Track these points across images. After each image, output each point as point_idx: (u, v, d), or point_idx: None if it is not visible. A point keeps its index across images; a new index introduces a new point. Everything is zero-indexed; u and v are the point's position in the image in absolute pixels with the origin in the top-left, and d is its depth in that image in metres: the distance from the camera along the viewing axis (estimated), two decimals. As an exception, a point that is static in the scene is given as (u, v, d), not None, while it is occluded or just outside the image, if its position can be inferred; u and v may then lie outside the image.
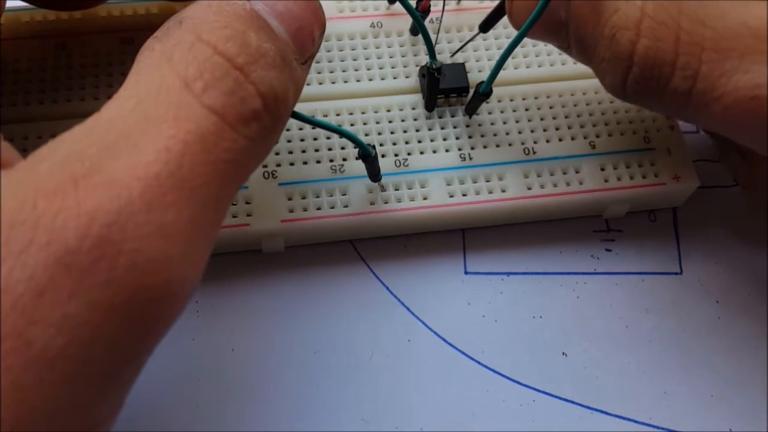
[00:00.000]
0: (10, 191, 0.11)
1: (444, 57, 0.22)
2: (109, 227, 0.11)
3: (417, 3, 0.21)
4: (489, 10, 0.21)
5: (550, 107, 0.22)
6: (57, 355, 0.11)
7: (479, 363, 0.20)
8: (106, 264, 0.11)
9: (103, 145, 0.12)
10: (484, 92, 0.20)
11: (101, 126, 0.12)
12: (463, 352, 0.20)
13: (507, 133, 0.21)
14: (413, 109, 0.21)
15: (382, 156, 0.20)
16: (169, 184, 0.12)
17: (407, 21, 0.22)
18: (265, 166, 0.20)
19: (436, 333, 0.20)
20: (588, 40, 0.17)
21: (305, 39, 0.15)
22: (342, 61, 0.22)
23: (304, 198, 0.20)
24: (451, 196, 0.20)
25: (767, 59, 0.15)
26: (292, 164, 0.20)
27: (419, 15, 0.20)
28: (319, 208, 0.20)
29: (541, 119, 0.22)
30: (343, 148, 0.21)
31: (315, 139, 0.21)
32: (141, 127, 0.12)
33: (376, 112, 0.21)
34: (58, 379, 0.11)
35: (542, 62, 0.22)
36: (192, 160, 0.12)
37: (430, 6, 0.21)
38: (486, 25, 0.21)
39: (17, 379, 0.10)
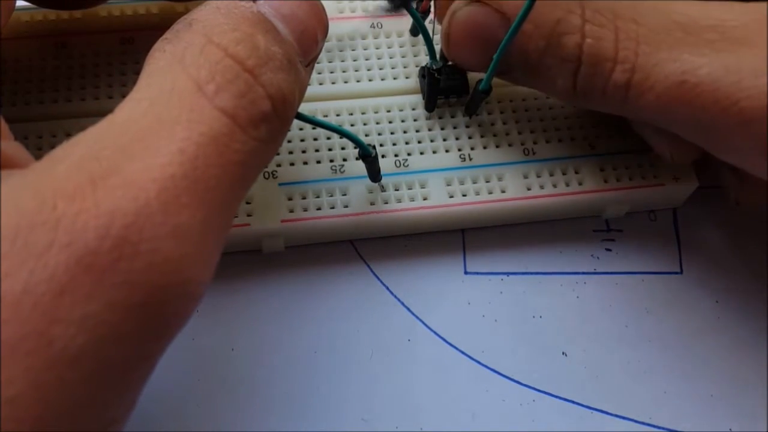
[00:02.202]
0: (28, 192, 0.11)
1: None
2: (127, 228, 0.11)
3: (417, 4, 0.21)
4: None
5: (550, 108, 0.22)
6: (76, 354, 0.11)
7: (479, 363, 0.20)
8: (124, 264, 0.11)
9: (118, 147, 0.12)
10: (483, 90, 0.20)
11: (115, 128, 0.13)
12: (463, 352, 0.20)
13: (507, 134, 0.21)
14: (413, 109, 0.21)
15: (382, 156, 0.20)
16: (184, 186, 0.12)
17: (407, 21, 0.22)
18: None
19: (436, 333, 0.20)
20: (533, 54, 0.18)
21: (309, 41, 0.15)
22: (342, 61, 0.22)
23: (304, 198, 0.20)
24: (451, 197, 0.20)
25: (693, 49, 0.17)
26: (292, 164, 0.20)
27: (419, 16, 0.20)
28: (319, 208, 0.20)
29: (541, 120, 0.22)
30: (343, 149, 0.21)
31: (315, 139, 0.21)
32: (155, 129, 0.12)
33: (376, 112, 0.21)
34: (77, 377, 0.11)
35: (542, 63, 0.22)
36: (205, 162, 0.12)
37: (430, 6, 0.21)
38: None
39: (38, 378, 0.10)
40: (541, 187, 0.21)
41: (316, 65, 0.22)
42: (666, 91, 0.17)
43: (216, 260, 0.13)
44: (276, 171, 0.20)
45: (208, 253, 0.12)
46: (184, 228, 0.12)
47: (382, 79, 0.22)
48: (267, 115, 0.14)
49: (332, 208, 0.20)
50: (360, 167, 0.20)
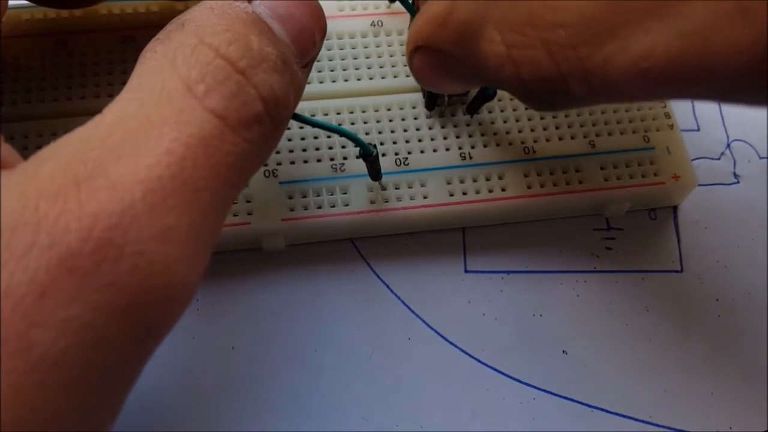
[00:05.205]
0: (11, 193, 0.11)
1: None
2: (111, 230, 0.11)
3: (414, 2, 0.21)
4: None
5: (551, 106, 0.22)
6: (58, 358, 0.11)
7: (479, 361, 0.20)
8: (107, 267, 0.11)
9: (105, 148, 0.12)
10: (489, 94, 0.20)
11: (103, 129, 0.12)
12: (463, 350, 0.20)
13: (507, 132, 0.21)
14: (413, 108, 0.21)
15: (383, 155, 0.20)
16: (171, 187, 0.12)
17: (407, 19, 0.22)
18: (265, 165, 0.20)
19: (436, 331, 0.20)
20: (494, 83, 0.18)
21: (306, 42, 0.15)
22: (342, 59, 0.22)
23: (304, 197, 0.20)
24: (452, 195, 0.20)
25: (634, 28, 0.14)
26: (292, 163, 0.20)
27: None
28: (319, 207, 0.20)
29: (541, 118, 0.22)
30: (343, 147, 0.21)
31: (315, 137, 0.21)
32: (143, 130, 0.12)
33: (376, 111, 0.21)
34: (58, 382, 0.11)
35: (542, 61, 0.22)
36: (194, 163, 0.12)
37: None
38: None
39: (18, 382, 0.10)
40: (542, 186, 0.21)
41: (315, 63, 0.22)
42: (632, 83, 0.14)
43: (204, 263, 0.13)
44: (276, 170, 0.20)
45: (196, 256, 0.12)
46: (170, 230, 0.12)
47: (383, 78, 0.22)
48: (259, 117, 0.13)
49: (333, 206, 0.20)
50: (360, 166, 0.20)
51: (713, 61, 0.13)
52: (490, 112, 0.22)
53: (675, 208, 0.22)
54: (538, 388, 0.20)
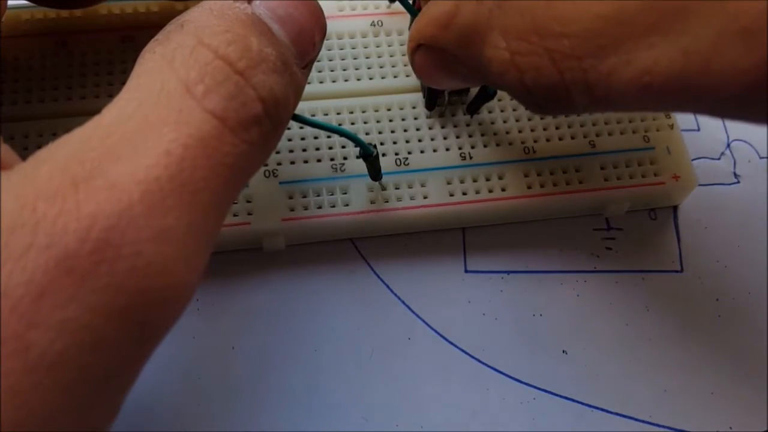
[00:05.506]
0: (9, 194, 0.11)
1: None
2: (109, 231, 0.11)
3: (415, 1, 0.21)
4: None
5: (551, 106, 0.22)
6: (55, 360, 0.10)
7: (479, 361, 0.20)
8: (105, 268, 0.11)
9: (103, 149, 0.12)
10: (491, 93, 0.20)
11: (102, 129, 0.12)
12: (463, 350, 0.20)
13: (507, 132, 0.21)
14: (413, 108, 0.21)
15: (383, 155, 0.20)
16: (170, 188, 0.12)
17: (407, 19, 0.22)
18: (266, 165, 0.20)
19: (436, 331, 0.20)
20: (496, 86, 0.18)
21: (306, 43, 0.15)
22: (342, 59, 0.22)
23: (304, 197, 0.20)
24: (452, 195, 0.20)
25: (638, 42, 0.14)
26: (292, 163, 0.20)
27: (418, 14, 0.20)
28: (319, 207, 0.20)
29: (541, 118, 0.22)
30: (343, 147, 0.21)
31: (316, 137, 0.21)
32: (142, 130, 0.12)
33: (376, 111, 0.21)
34: (56, 383, 0.11)
35: (542, 61, 0.22)
36: (192, 164, 0.12)
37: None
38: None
39: (17, 383, 0.10)
40: (542, 186, 0.21)
41: (315, 63, 0.21)
42: (634, 95, 0.14)
43: (204, 263, 0.13)
44: (276, 170, 0.20)
45: (195, 256, 0.12)
46: (168, 231, 0.12)
47: (383, 78, 0.22)
48: (258, 118, 0.13)
49: (333, 206, 0.20)
50: (360, 166, 0.20)
51: (716, 81, 0.13)
52: (490, 112, 0.22)
53: (675, 208, 0.22)
54: (538, 388, 0.20)
